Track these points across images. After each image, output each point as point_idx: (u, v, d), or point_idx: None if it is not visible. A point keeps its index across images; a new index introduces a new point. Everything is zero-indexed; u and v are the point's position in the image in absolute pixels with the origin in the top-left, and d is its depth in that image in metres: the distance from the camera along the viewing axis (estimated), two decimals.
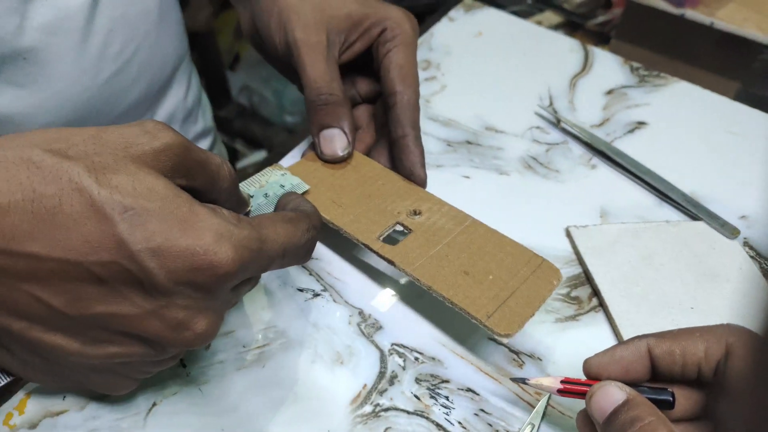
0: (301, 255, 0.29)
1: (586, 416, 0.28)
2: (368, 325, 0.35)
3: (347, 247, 0.39)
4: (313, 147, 0.40)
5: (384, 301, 0.37)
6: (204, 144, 0.61)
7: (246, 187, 0.35)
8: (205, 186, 0.27)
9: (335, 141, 0.39)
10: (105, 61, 0.45)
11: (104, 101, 0.46)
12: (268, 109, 1.69)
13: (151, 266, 0.22)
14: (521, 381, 0.30)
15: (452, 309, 0.32)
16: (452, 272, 0.33)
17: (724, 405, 0.26)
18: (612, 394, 0.25)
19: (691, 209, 0.43)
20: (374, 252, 0.35)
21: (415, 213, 0.37)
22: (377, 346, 0.34)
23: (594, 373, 0.27)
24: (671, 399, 0.26)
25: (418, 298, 0.37)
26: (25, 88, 0.41)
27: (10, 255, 0.21)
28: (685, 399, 0.27)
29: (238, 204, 0.31)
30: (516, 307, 0.32)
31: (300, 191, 0.36)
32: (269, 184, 0.35)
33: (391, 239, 0.36)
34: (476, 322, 0.31)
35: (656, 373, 0.27)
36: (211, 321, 0.25)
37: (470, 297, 0.32)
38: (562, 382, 0.28)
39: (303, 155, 0.42)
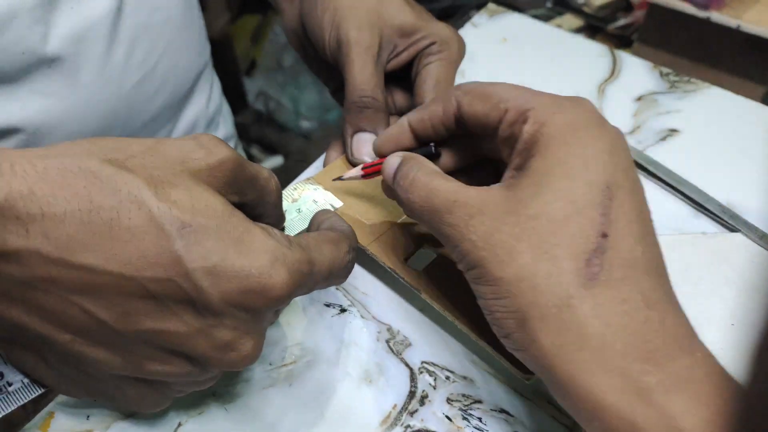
0: (342, 276, 0.29)
1: (386, 186, 0.32)
2: (397, 342, 0.34)
3: (374, 262, 0.38)
4: (344, 148, 0.40)
5: (413, 316, 0.36)
6: None
7: None
8: (255, 201, 0.27)
9: (368, 146, 0.38)
10: (130, 69, 0.45)
11: (129, 109, 0.46)
12: (284, 115, 1.69)
13: (205, 285, 0.22)
14: (339, 179, 0.35)
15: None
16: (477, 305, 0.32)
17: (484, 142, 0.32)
18: (393, 160, 0.31)
19: (728, 220, 0.42)
20: (400, 278, 0.34)
21: None
22: (407, 364, 0.33)
23: (378, 152, 0.34)
24: (432, 149, 0.32)
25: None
26: (52, 97, 0.41)
27: (64, 265, 0.21)
28: (452, 154, 0.33)
29: (280, 219, 0.30)
30: None
31: (333, 207, 0.35)
32: (302, 199, 0.35)
33: (417, 260, 0.35)
34: (499, 360, 0.30)
35: (420, 141, 0.33)
36: (256, 343, 0.24)
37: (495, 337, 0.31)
38: (362, 168, 0.34)
39: (326, 161, 0.41)
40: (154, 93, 0.47)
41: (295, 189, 0.35)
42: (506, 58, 0.56)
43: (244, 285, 0.22)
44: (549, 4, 1.11)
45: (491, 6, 0.62)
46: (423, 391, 0.32)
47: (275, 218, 0.29)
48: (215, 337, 0.23)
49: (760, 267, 0.39)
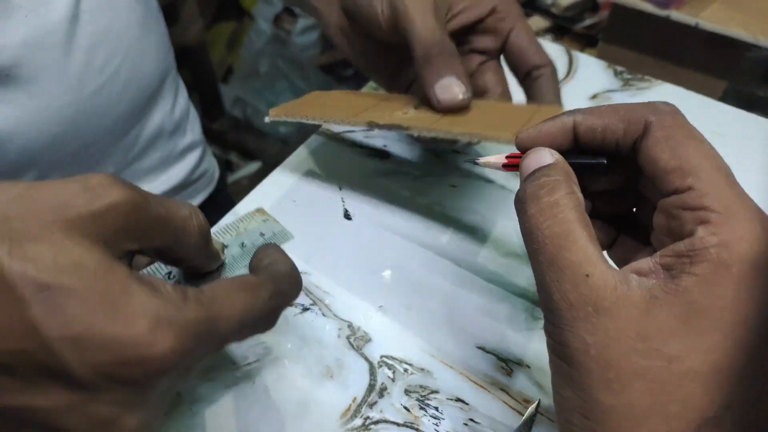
0: (261, 326, 0.26)
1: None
2: (357, 338, 0.36)
3: (335, 261, 0.39)
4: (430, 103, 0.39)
5: (373, 313, 0.37)
6: (193, 157, 0.62)
7: (221, 235, 0.33)
8: (167, 245, 0.24)
9: (453, 87, 0.37)
10: (89, 75, 0.45)
11: (90, 116, 0.46)
12: (261, 120, 1.70)
13: (68, 358, 0.19)
14: (472, 162, 0.30)
15: (440, 319, 0.32)
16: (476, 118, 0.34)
17: (642, 181, 0.27)
18: (542, 156, 0.25)
19: None
20: (382, 126, 0.35)
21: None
22: (366, 359, 0.35)
23: (524, 146, 0.27)
24: (605, 161, 0.26)
25: (406, 309, 0.37)
26: (9, 104, 0.42)
27: None
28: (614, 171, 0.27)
29: (209, 259, 0.28)
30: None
31: (282, 241, 0.33)
32: (247, 232, 0.33)
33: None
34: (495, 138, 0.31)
35: (579, 146, 0.26)
36: (143, 417, 0.21)
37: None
38: (507, 157, 0.28)
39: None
40: (115, 99, 0.48)
41: (242, 221, 0.33)
42: None
43: (117, 356, 0.19)
44: None
45: None
46: (382, 383, 0.34)
47: (202, 260, 0.27)
48: (91, 413, 0.20)
49: None
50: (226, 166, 1.62)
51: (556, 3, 1.10)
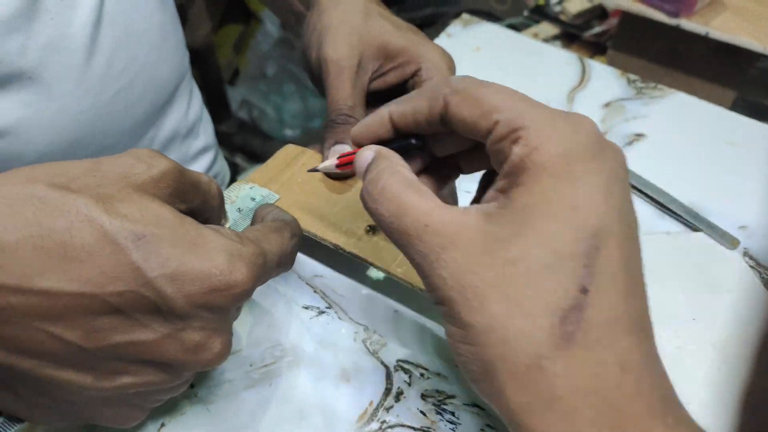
0: (289, 263, 0.30)
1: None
2: (373, 342, 0.36)
3: (351, 264, 0.39)
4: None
5: (389, 317, 0.37)
6: (206, 159, 0.62)
7: None
8: (200, 206, 0.27)
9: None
10: (109, 79, 0.45)
11: (109, 119, 0.47)
12: (268, 123, 1.70)
13: (168, 291, 0.22)
14: (314, 170, 0.35)
15: None
16: None
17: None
18: (366, 154, 0.28)
19: (691, 220, 0.43)
20: (345, 252, 0.35)
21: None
22: (383, 363, 0.35)
23: (356, 140, 0.30)
24: (414, 141, 0.28)
25: (423, 312, 0.37)
26: (31, 107, 0.42)
27: (22, 293, 0.21)
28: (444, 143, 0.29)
29: (224, 220, 0.32)
30: None
31: (271, 201, 0.36)
32: (240, 199, 0.36)
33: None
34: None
35: (401, 133, 0.29)
36: (225, 339, 0.25)
37: None
38: (338, 158, 0.33)
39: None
40: (133, 103, 0.48)
41: (232, 191, 0.36)
42: (479, 67, 0.58)
43: (208, 285, 0.23)
44: (526, 13, 1.13)
45: (465, 16, 0.64)
46: (398, 387, 0.34)
47: (220, 220, 0.31)
48: (185, 339, 0.24)
49: (721, 264, 0.41)
50: (232, 169, 1.62)
51: (565, 10, 1.10)
